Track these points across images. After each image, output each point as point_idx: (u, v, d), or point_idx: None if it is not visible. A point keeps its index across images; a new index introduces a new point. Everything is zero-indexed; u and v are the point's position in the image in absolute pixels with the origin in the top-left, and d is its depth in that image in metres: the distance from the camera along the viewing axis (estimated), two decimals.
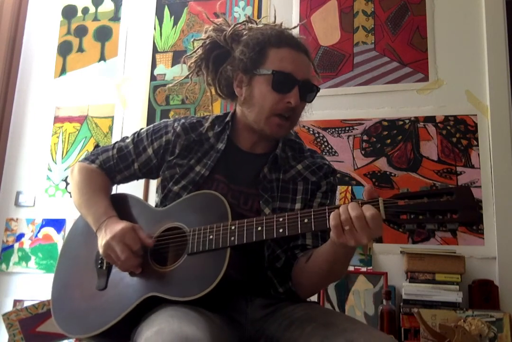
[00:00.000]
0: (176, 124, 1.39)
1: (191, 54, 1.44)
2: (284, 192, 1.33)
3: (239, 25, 1.39)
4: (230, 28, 1.38)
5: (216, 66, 1.40)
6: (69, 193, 2.84)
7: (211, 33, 1.41)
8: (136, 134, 1.43)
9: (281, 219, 1.11)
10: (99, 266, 1.30)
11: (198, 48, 1.42)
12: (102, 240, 1.22)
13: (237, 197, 1.30)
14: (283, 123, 1.30)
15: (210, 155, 1.35)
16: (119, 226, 1.22)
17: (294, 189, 1.34)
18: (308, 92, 1.32)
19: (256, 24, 1.41)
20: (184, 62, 1.48)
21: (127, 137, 1.44)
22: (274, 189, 1.32)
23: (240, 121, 1.38)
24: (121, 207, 1.35)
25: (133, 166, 1.40)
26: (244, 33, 1.37)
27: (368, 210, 1.00)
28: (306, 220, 1.09)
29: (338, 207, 1.06)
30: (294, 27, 1.43)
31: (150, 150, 1.38)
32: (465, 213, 0.98)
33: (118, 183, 1.45)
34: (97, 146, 1.51)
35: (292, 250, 1.31)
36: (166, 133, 1.38)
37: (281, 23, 1.42)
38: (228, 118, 1.40)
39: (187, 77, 1.48)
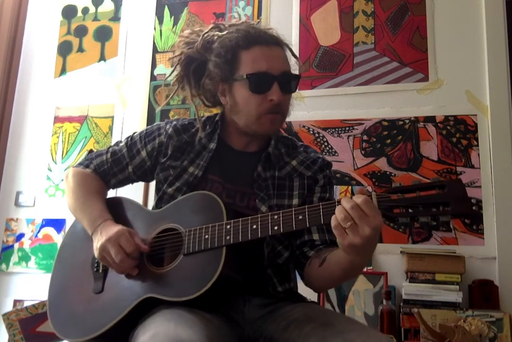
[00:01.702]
0: (168, 126, 1.40)
1: (170, 74, 1.45)
2: (281, 189, 1.33)
3: (207, 34, 1.38)
4: (199, 39, 1.37)
5: (198, 79, 1.40)
6: None
7: (183, 49, 1.40)
8: (129, 138, 1.43)
9: (275, 217, 1.12)
10: (95, 269, 1.29)
11: (175, 67, 1.43)
12: (97, 242, 1.22)
13: (232, 196, 1.30)
14: (275, 117, 1.30)
15: (202, 156, 1.35)
16: (115, 228, 1.22)
17: (291, 185, 1.34)
18: (289, 83, 1.31)
19: (224, 27, 1.40)
20: (166, 85, 1.47)
21: (120, 142, 1.45)
22: (270, 186, 1.32)
23: (230, 124, 1.38)
24: (117, 210, 1.35)
25: (128, 170, 1.41)
26: (215, 38, 1.35)
27: (359, 198, 1.00)
28: (300, 217, 1.09)
29: (332, 203, 1.06)
30: (258, 22, 1.43)
31: (143, 153, 1.39)
32: (457, 205, 0.99)
33: (113, 187, 1.46)
34: (90, 151, 1.52)
35: (301, 248, 1.30)
36: (159, 135, 1.39)
37: (245, 21, 1.41)
38: (217, 118, 1.40)
39: (172, 97, 1.49)
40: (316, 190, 1.36)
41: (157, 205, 1.35)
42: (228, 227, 1.15)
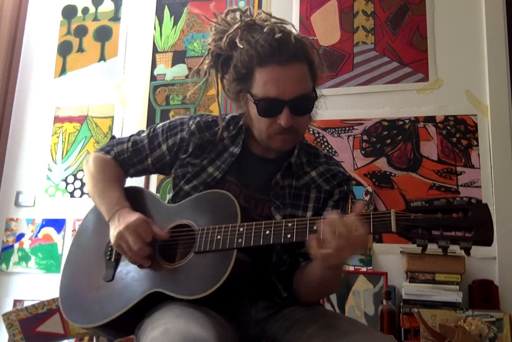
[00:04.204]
0: (191, 122, 1.37)
1: (202, 61, 1.41)
2: (297, 199, 1.31)
3: (231, 34, 1.31)
4: (224, 38, 1.32)
5: (225, 72, 1.36)
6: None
7: (213, 39, 1.36)
8: (152, 129, 1.41)
9: (290, 224, 1.10)
10: (108, 257, 1.30)
11: (206, 55, 1.39)
12: (114, 229, 1.22)
13: (248, 201, 1.29)
14: (287, 137, 1.26)
15: (224, 158, 1.33)
16: (133, 216, 1.22)
17: (307, 196, 1.32)
18: (302, 106, 1.24)
19: (253, 22, 1.32)
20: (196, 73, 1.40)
21: (143, 131, 1.43)
22: (286, 195, 1.30)
23: (251, 130, 1.35)
24: (134, 199, 1.34)
25: (147, 161, 1.40)
26: (241, 37, 1.30)
27: (358, 231, 0.99)
28: (315, 227, 1.07)
29: (346, 213, 1.05)
30: (288, 34, 1.28)
31: (164, 147, 1.37)
32: (479, 232, 0.94)
33: (132, 175, 1.45)
34: (113, 137, 1.50)
35: (297, 258, 1.30)
36: (181, 131, 1.37)
37: (274, 22, 1.31)
38: (242, 122, 1.37)
39: (204, 82, 1.43)
40: (329, 204, 1.33)
41: (173, 199, 1.35)
42: (241, 229, 1.14)
